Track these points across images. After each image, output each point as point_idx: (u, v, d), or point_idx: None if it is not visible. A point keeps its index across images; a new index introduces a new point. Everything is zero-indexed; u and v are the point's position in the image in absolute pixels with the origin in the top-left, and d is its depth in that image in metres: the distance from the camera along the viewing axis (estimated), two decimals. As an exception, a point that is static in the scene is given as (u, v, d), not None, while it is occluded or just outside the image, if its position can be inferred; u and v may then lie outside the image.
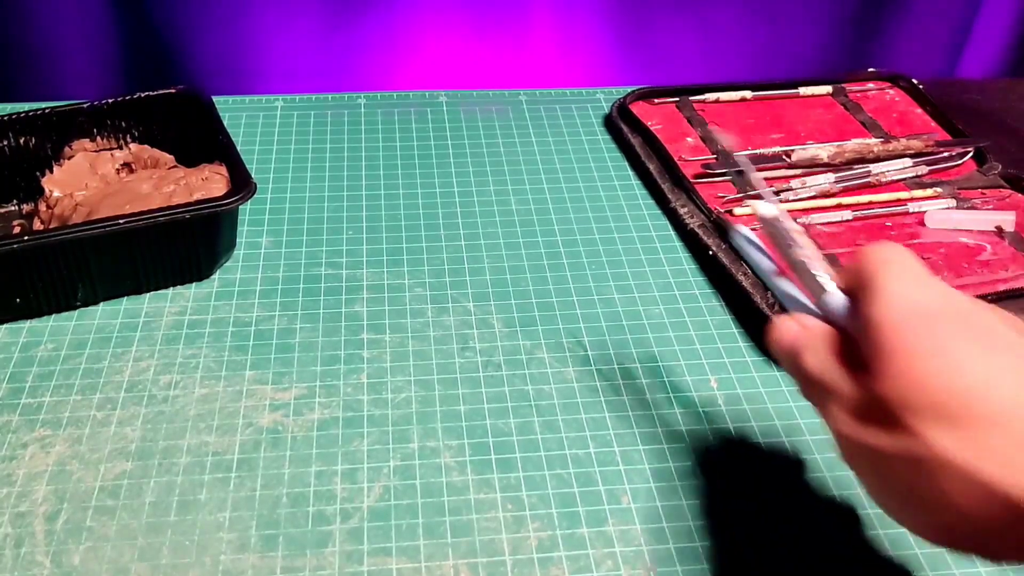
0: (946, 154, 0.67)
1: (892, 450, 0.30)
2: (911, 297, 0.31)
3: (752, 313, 0.53)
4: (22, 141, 0.58)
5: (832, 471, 0.46)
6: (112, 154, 0.60)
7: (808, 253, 0.38)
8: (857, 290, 0.34)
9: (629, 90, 0.73)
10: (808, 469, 0.46)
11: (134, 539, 0.41)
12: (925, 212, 0.61)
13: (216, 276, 0.56)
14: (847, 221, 0.61)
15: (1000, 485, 0.27)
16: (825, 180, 0.63)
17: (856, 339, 0.33)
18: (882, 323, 0.31)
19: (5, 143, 0.58)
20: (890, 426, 0.30)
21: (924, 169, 0.65)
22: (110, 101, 0.60)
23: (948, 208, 0.62)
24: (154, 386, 0.49)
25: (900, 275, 0.32)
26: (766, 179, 0.64)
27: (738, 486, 0.45)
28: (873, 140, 0.68)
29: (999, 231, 0.60)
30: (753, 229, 0.46)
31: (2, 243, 0.48)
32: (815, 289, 0.37)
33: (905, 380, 0.29)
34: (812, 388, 0.34)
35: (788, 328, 0.36)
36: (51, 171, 0.59)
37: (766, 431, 0.48)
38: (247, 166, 0.55)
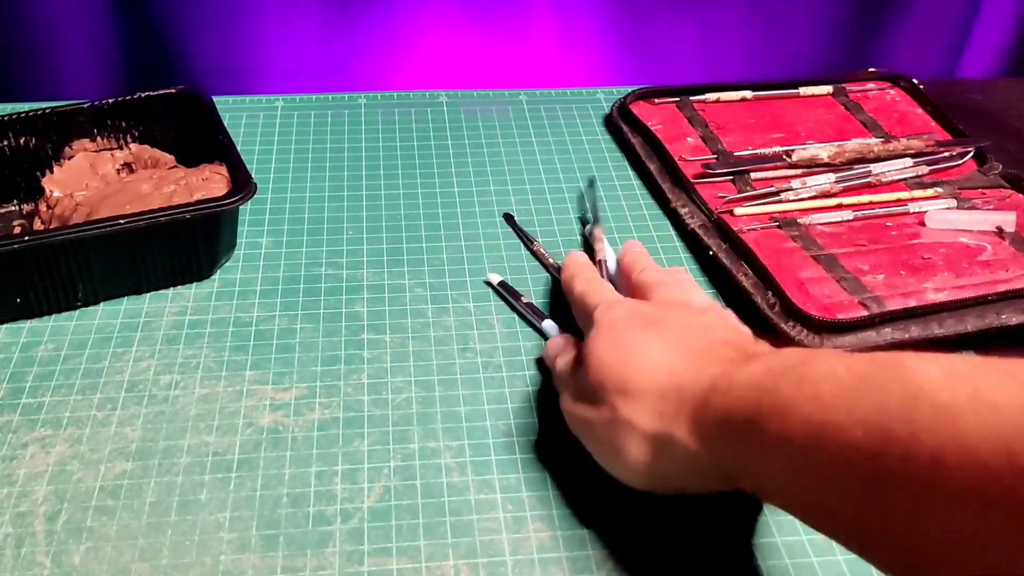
0: (946, 154, 0.67)
1: (596, 419, 0.41)
2: (605, 315, 0.44)
3: (753, 313, 0.53)
4: (22, 141, 0.58)
5: (832, 471, 0.46)
6: (112, 154, 0.60)
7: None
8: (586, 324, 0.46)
9: (629, 90, 0.73)
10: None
11: (134, 539, 0.41)
12: (925, 212, 0.61)
13: (216, 276, 0.56)
14: (847, 221, 0.61)
15: (647, 428, 0.39)
16: (825, 180, 0.63)
17: None
18: (593, 333, 0.43)
19: (5, 143, 0.58)
20: (594, 402, 0.41)
21: (924, 169, 0.65)
22: (110, 101, 0.60)
23: (948, 208, 0.62)
24: (154, 386, 0.49)
25: (607, 304, 0.45)
26: (767, 179, 0.64)
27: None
28: (873, 140, 0.68)
29: (999, 231, 0.60)
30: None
31: (3, 243, 0.48)
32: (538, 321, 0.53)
33: (601, 368, 0.41)
34: (557, 382, 0.47)
35: (555, 342, 0.49)
36: (51, 171, 0.59)
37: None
38: (247, 166, 0.55)
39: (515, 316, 0.54)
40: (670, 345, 0.41)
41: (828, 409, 0.32)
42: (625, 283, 0.51)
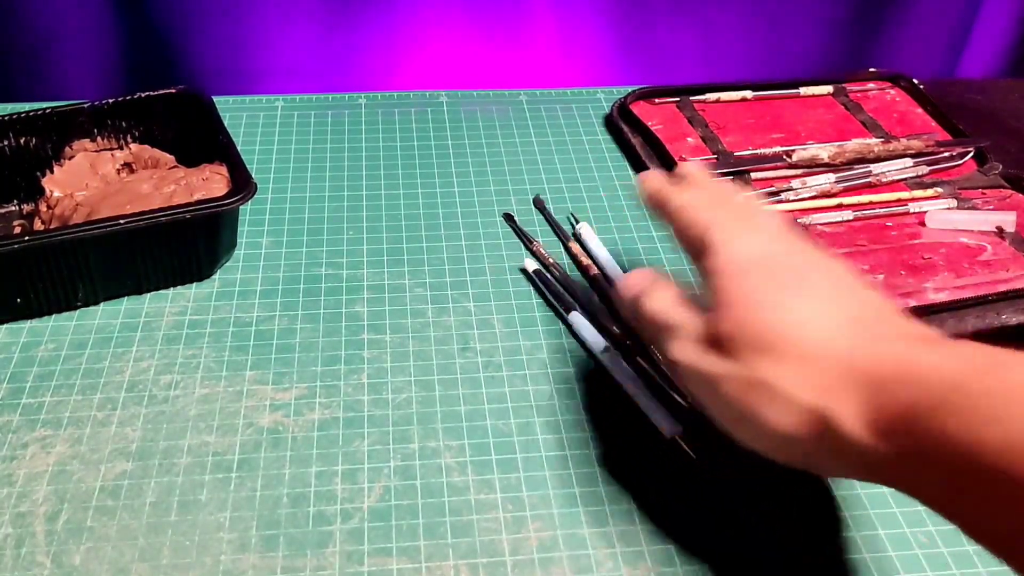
0: (947, 154, 0.67)
1: (726, 376, 0.36)
2: (748, 246, 0.38)
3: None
4: (22, 141, 0.58)
5: (833, 471, 0.46)
6: (112, 154, 0.60)
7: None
8: (697, 248, 0.40)
9: (630, 90, 0.72)
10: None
11: (135, 539, 0.41)
12: (926, 212, 0.61)
13: (216, 276, 0.56)
14: (848, 221, 0.61)
15: (801, 399, 0.33)
16: (826, 180, 0.63)
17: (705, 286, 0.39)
18: (721, 273, 0.38)
19: (5, 143, 0.58)
20: (726, 356, 0.36)
21: (925, 169, 0.65)
22: (110, 101, 0.60)
23: (949, 208, 0.62)
24: (154, 386, 0.49)
25: (731, 231, 0.39)
26: (767, 179, 0.64)
27: (739, 487, 0.45)
28: (874, 140, 0.68)
29: (1000, 231, 0.60)
30: None
31: (3, 243, 0.48)
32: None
33: (740, 321, 0.36)
34: (652, 327, 0.41)
35: (639, 275, 0.43)
36: (51, 171, 0.59)
37: (767, 431, 0.48)
38: (247, 166, 0.55)
39: (515, 316, 0.54)
40: (824, 303, 0.36)
41: None
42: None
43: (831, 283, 0.37)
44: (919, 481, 0.32)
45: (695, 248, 0.41)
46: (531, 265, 0.56)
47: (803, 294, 0.36)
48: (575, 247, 0.59)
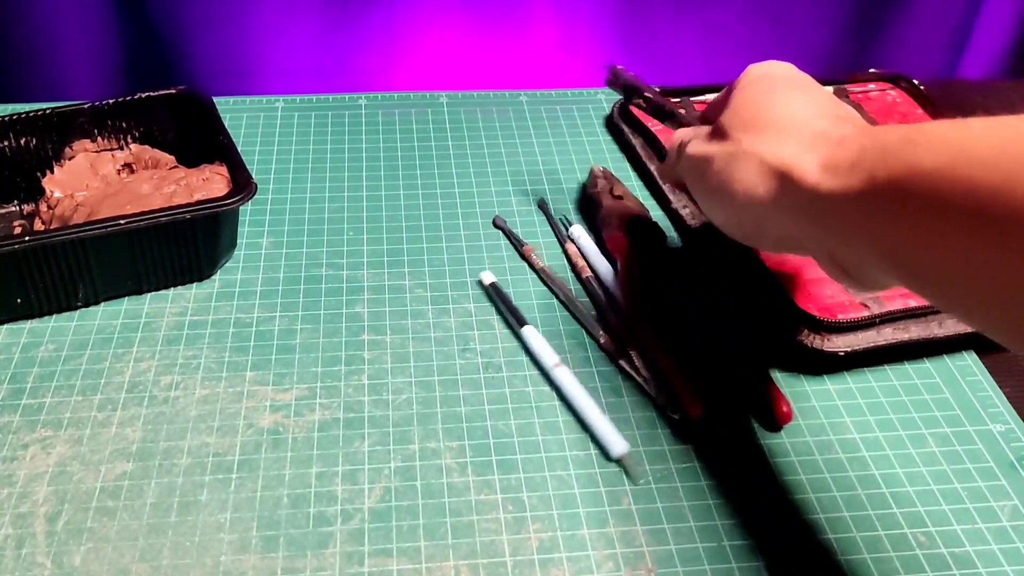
0: (947, 155, 0.66)
1: (717, 153, 0.43)
2: (760, 68, 0.46)
3: (753, 313, 0.53)
4: (23, 141, 0.58)
5: (833, 472, 0.46)
6: (113, 154, 0.60)
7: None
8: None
9: (630, 90, 0.72)
10: (812, 470, 0.46)
11: (135, 540, 0.42)
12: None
13: (217, 277, 0.56)
14: (848, 222, 0.61)
15: (770, 159, 0.40)
16: (826, 181, 0.63)
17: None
18: (738, 83, 0.45)
19: (6, 143, 0.58)
20: (720, 138, 0.43)
21: (925, 170, 0.65)
22: (111, 101, 0.60)
23: (949, 209, 0.61)
24: (155, 387, 0.49)
25: (749, 68, 0.46)
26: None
27: (740, 487, 0.45)
28: (874, 141, 0.68)
29: (1000, 232, 0.59)
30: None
31: (3, 243, 0.48)
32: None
33: (737, 108, 0.43)
34: (681, 149, 0.48)
35: (685, 130, 0.50)
36: (52, 171, 0.59)
37: (768, 431, 0.48)
38: (247, 166, 0.55)
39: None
40: (809, 102, 0.42)
41: (988, 169, 0.30)
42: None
43: (819, 94, 0.43)
44: (863, 218, 0.35)
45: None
46: (487, 278, 0.55)
47: (791, 94, 0.43)
48: (571, 248, 0.58)
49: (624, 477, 0.45)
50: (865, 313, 0.52)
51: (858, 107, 0.73)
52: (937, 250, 0.32)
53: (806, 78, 0.45)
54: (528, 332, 0.52)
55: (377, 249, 0.59)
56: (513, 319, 0.53)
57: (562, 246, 0.59)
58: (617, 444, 0.46)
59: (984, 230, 0.30)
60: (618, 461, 0.46)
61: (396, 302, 0.55)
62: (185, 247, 0.53)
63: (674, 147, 0.49)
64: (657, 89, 0.56)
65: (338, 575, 0.40)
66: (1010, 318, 0.31)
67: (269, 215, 0.61)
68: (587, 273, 0.57)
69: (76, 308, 0.53)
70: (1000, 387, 0.51)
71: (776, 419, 0.47)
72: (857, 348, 0.51)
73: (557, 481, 0.45)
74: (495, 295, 0.55)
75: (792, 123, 0.40)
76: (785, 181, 0.39)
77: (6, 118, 0.57)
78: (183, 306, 0.54)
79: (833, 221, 0.37)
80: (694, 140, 0.46)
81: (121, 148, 0.61)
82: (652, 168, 0.66)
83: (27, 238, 0.49)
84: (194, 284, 0.55)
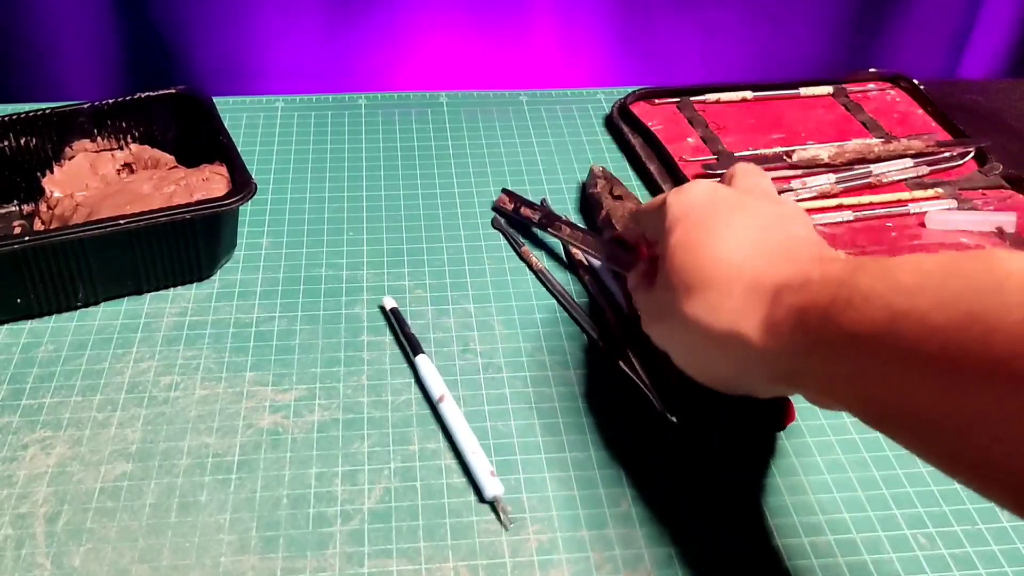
0: (947, 154, 0.67)
1: (658, 311, 0.42)
2: (684, 199, 0.42)
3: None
4: (23, 141, 0.58)
5: (833, 473, 0.46)
6: (113, 154, 0.60)
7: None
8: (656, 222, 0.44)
9: (630, 90, 0.72)
10: (812, 470, 0.46)
11: (134, 541, 0.41)
12: (926, 213, 0.61)
13: (216, 277, 0.56)
14: (848, 222, 0.61)
15: (713, 327, 0.38)
16: (826, 180, 0.63)
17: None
18: (667, 222, 0.42)
19: (5, 143, 0.58)
20: (662, 292, 0.41)
21: (925, 169, 0.65)
22: (111, 101, 0.60)
23: (949, 209, 0.62)
24: (154, 387, 0.49)
25: (681, 188, 0.43)
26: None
27: (740, 489, 0.45)
28: (874, 140, 0.68)
29: (1000, 232, 0.59)
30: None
31: (3, 243, 0.48)
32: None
33: (674, 266, 0.40)
34: (634, 298, 0.46)
35: (631, 277, 0.48)
36: (52, 171, 0.59)
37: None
38: (247, 166, 0.55)
39: (515, 317, 0.54)
40: (745, 237, 0.40)
41: (911, 295, 0.32)
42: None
43: (763, 221, 0.40)
44: (816, 374, 0.35)
45: (654, 225, 0.44)
46: (389, 303, 0.54)
47: (729, 232, 0.40)
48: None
49: (624, 478, 0.45)
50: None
51: (858, 107, 0.73)
52: (908, 396, 0.32)
53: (740, 197, 0.42)
54: (421, 361, 0.50)
55: (377, 249, 0.59)
56: (408, 346, 0.51)
57: (564, 246, 0.59)
58: (490, 488, 0.44)
59: (940, 373, 0.31)
60: (491, 503, 0.44)
61: (396, 302, 0.55)
62: (185, 247, 0.53)
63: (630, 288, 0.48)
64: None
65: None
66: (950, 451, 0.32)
67: (269, 215, 0.61)
68: (584, 264, 0.57)
69: (76, 308, 0.53)
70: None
71: (779, 419, 0.47)
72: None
73: (557, 482, 0.45)
74: (394, 321, 0.53)
75: (729, 272, 0.39)
76: (738, 344, 0.38)
77: (6, 118, 0.57)
78: (183, 306, 0.54)
79: (795, 377, 0.37)
80: (637, 287, 0.46)
81: (121, 148, 0.61)
82: (652, 168, 0.66)
83: (27, 238, 0.49)
84: (194, 284, 0.55)
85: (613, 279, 0.55)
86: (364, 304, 0.55)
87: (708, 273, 0.39)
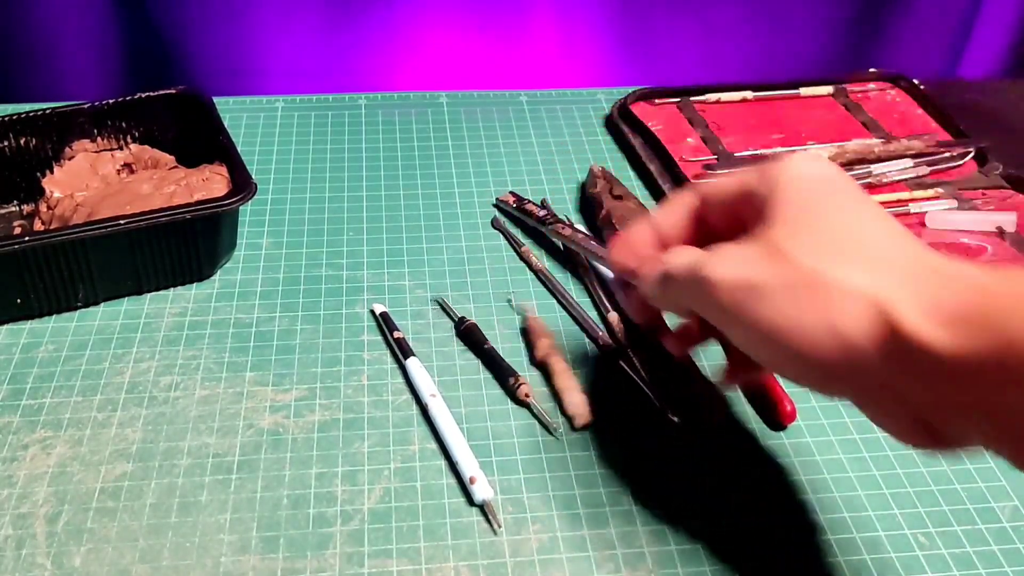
0: (947, 154, 0.67)
1: (775, 281, 0.34)
2: (803, 168, 0.37)
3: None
4: (23, 141, 0.58)
5: (834, 473, 0.46)
6: (113, 154, 0.60)
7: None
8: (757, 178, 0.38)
9: (630, 90, 0.72)
10: (812, 470, 0.46)
11: (135, 541, 0.41)
12: (926, 213, 0.61)
13: (217, 277, 0.56)
14: (848, 222, 0.61)
15: (866, 294, 0.32)
16: (826, 181, 0.63)
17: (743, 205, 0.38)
18: (780, 188, 0.36)
19: (5, 143, 0.58)
20: (775, 260, 0.34)
21: (925, 169, 0.65)
22: (111, 101, 0.60)
23: (949, 209, 0.62)
24: (155, 387, 0.49)
25: (784, 161, 0.38)
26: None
27: (740, 488, 0.45)
28: (874, 140, 0.68)
29: (1000, 232, 0.60)
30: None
31: (3, 244, 0.48)
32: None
33: (803, 227, 0.35)
34: (686, 275, 0.38)
35: (639, 232, 0.43)
36: (52, 171, 0.59)
37: (768, 432, 0.48)
38: (247, 166, 0.55)
39: (515, 317, 0.54)
40: (885, 220, 0.35)
41: None
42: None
43: (882, 210, 0.36)
44: (972, 376, 0.30)
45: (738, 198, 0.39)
46: (379, 308, 0.53)
47: (865, 210, 0.35)
48: (566, 231, 0.58)
49: (625, 477, 0.45)
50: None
51: (858, 107, 0.73)
52: None
53: (840, 174, 0.38)
54: (411, 364, 0.50)
55: (377, 249, 0.59)
56: (399, 350, 0.51)
57: (563, 244, 0.59)
58: (480, 489, 0.43)
59: None
60: (481, 507, 0.43)
61: (396, 303, 0.55)
62: (185, 247, 0.53)
63: (661, 271, 0.40)
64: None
65: None
66: None
67: (269, 215, 0.61)
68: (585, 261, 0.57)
69: (76, 308, 0.53)
70: (1000, 387, 0.51)
71: (780, 418, 0.47)
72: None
73: (557, 482, 0.45)
74: (383, 324, 0.52)
75: (879, 245, 0.34)
76: (876, 324, 0.31)
77: (6, 118, 0.57)
78: (183, 306, 0.54)
79: (933, 374, 0.31)
80: (720, 259, 0.36)
81: (121, 148, 0.61)
82: (652, 168, 0.66)
83: (27, 238, 0.48)
84: (194, 284, 0.55)
85: (620, 287, 0.55)
86: (364, 304, 0.55)
87: (854, 239, 0.34)
